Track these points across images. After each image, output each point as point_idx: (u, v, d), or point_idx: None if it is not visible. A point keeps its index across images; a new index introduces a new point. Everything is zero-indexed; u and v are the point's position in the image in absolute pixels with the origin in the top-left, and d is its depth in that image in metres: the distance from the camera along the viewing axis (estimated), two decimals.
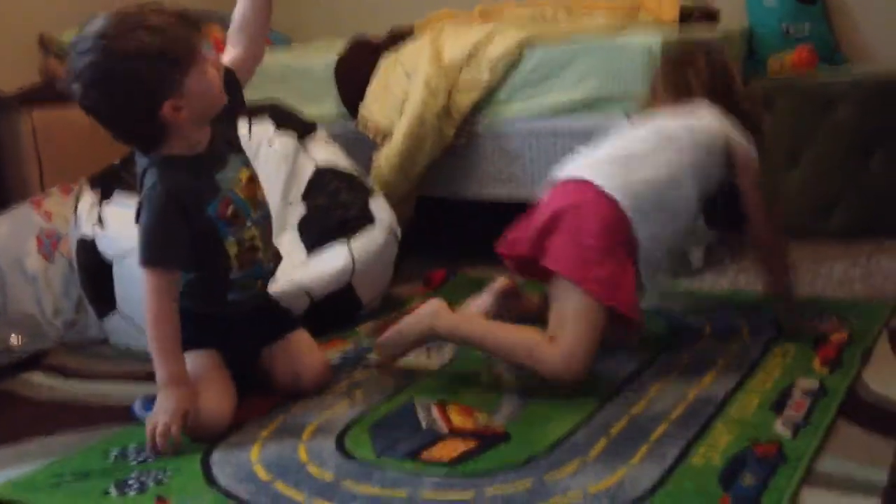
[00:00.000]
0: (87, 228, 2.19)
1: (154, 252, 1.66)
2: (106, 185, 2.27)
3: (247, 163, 1.80)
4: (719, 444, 1.51)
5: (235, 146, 1.79)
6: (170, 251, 1.66)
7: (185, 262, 1.69)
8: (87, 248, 2.19)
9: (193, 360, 1.72)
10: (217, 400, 1.68)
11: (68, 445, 1.66)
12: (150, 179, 1.67)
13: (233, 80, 1.75)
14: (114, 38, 1.57)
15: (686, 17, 2.95)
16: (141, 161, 1.71)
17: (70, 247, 2.30)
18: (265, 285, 1.89)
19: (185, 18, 1.62)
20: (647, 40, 2.53)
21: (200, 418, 1.64)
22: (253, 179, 1.79)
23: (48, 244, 2.37)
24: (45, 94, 2.75)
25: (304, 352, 1.86)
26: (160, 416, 1.60)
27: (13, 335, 2.16)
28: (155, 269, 1.65)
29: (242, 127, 2.35)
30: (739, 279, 2.48)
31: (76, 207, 2.27)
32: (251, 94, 2.80)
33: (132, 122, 1.62)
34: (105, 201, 2.23)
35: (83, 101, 1.61)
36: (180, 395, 1.62)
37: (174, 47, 1.58)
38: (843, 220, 2.86)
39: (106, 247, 2.15)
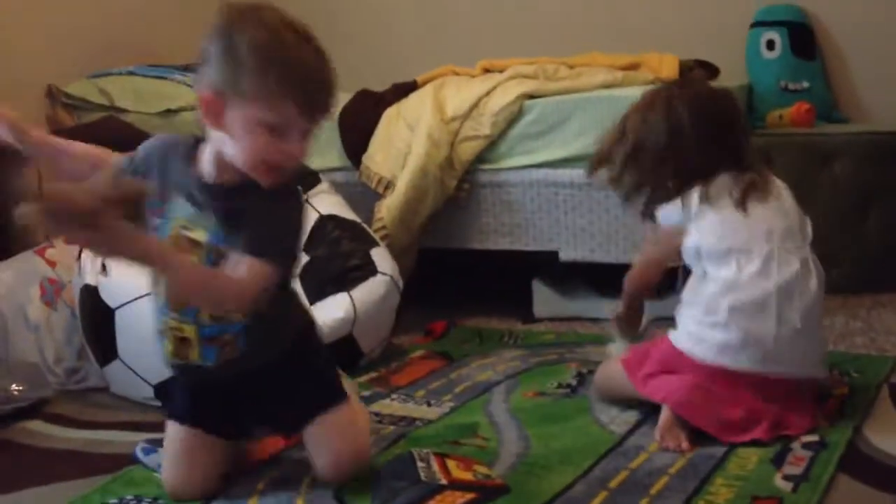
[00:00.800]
0: (90, 276, 2.21)
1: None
2: None
3: (193, 223, 1.53)
4: (719, 499, 1.50)
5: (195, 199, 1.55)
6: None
7: None
8: (90, 296, 2.20)
9: (173, 432, 1.63)
10: (184, 475, 1.61)
11: (65, 495, 1.65)
12: None
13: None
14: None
15: (686, 73, 2.99)
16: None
17: (73, 294, 2.31)
18: (233, 342, 1.57)
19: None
20: None
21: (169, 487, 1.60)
22: (182, 242, 1.52)
23: (51, 292, 2.38)
24: None
25: (336, 436, 1.63)
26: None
27: (14, 384, 2.15)
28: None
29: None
30: None
31: (80, 255, 2.29)
32: None
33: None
34: None
35: None
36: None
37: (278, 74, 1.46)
38: (842, 275, 2.86)
39: (108, 295, 2.16)
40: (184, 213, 1.53)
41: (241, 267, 1.43)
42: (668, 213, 1.89)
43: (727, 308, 1.76)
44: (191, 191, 1.53)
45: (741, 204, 1.82)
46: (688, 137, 1.85)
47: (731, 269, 1.79)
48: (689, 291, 1.86)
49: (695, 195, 1.84)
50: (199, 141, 1.55)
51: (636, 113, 1.92)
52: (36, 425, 2.05)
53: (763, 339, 1.76)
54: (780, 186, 1.90)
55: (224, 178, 1.52)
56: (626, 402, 1.90)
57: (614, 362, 1.94)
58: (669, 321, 2.25)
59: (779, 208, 1.86)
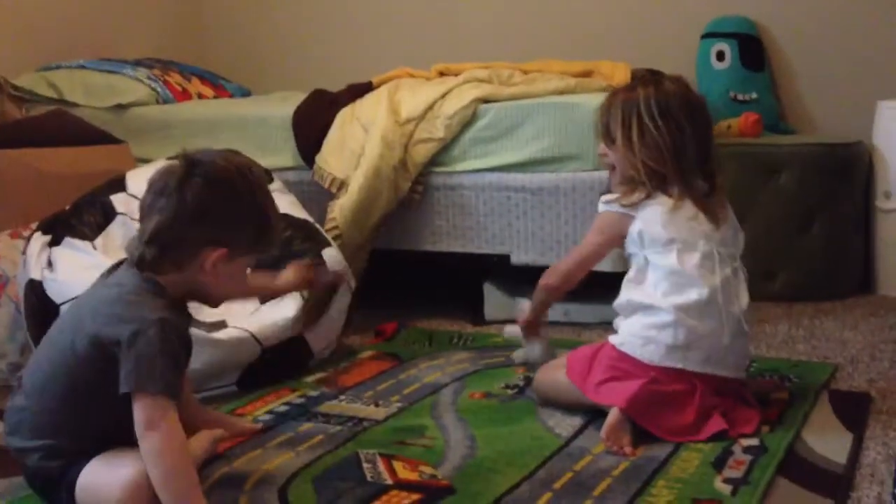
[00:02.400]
0: (35, 272, 2.18)
1: (167, 380, 1.43)
2: (56, 231, 2.26)
3: None
4: (660, 500, 1.53)
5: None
6: (177, 380, 1.47)
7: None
8: (35, 292, 2.17)
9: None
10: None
11: (5, 491, 1.62)
12: (152, 301, 1.49)
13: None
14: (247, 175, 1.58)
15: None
16: (127, 277, 1.54)
17: (18, 290, 2.27)
18: None
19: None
20: (598, 101, 2.58)
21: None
22: None
23: None
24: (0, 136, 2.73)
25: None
26: None
27: None
28: (164, 399, 1.43)
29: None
30: None
31: (25, 250, 2.26)
32: (209, 143, 2.85)
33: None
34: (54, 247, 2.22)
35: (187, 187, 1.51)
36: None
37: (272, 223, 1.59)
38: (786, 283, 2.92)
39: (54, 291, 2.13)
40: None
41: None
42: (610, 200, 1.94)
43: (672, 307, 1.80)
44: None
45: (693, 204, 1.87)
46: (689, 138, 1.89)
47: (673, 259, 1.83)
48: (630, 290, 1.89)
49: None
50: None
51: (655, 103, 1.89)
52: None
53: (709, 339, 1.80)
54: (724, 196, 1.95)
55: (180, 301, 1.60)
56: (571, 408, 1.92)
57: (558, 372, 1.96)
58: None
59: (723, 216, 1.91)
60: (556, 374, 1.96)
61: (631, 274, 1.91)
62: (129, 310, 1.48)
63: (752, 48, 3.24)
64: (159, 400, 1.43)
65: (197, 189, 1.50)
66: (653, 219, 1.87)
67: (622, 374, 1.83)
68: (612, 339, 1.88)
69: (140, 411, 1.42)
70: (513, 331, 2.21)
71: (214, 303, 1.64)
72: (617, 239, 1.95)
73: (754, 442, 1.75)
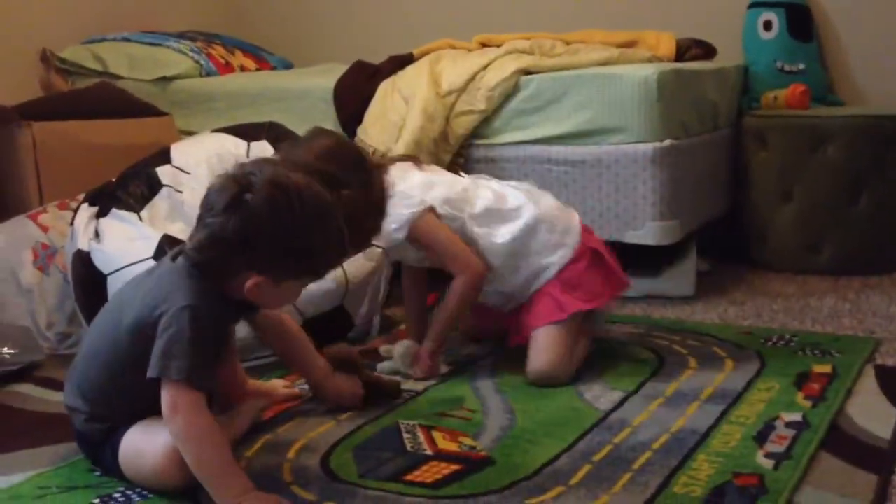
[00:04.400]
0: (83, 242, 2.21)
1: (194, 369, 1.45)
2: (102, 202, 2.29)
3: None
4: (701, 474, 1.52)
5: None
6: (206, 369, 1.49)
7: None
8: (83, 262, 2.20)
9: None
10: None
11: (55, 458, 1.66)
12: (189, 289, 1.49)
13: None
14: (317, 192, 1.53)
15: (682, 52, 2.99)
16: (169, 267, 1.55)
17: (66, 260, 2.31)
18: None
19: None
20: (642, 72, 2.57)
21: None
22: None
23: (44, 257, 2.38)
24: (46, 108, 2.77)
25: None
26: None
27: (6, 347, 2.16)
28: (189, 387, 1.45)
29: (240, 147, 2.38)
30: (729, 312, 2.50)
31: (73, 221, 2.29)
32: (250, 116, 2.87)
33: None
34: (101, 218, 2.25)
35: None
36: (265, 496, 1.47)
37: (322, 252, 1.54)
38: (832, 256, 2.88)
39: (101, 261, 2.17)
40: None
41: None
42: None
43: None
44: None
45: None
46: None
47: None
48: None
49: None
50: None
51: None
52: (27, 388, 2.06)
53: None
54: None
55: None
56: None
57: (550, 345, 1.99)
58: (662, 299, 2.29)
59: None
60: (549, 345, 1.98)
61: None
62: (165, 293, 1.49)
63: (800, 17, 3.17)
64: (182, 387, 1.45)
65: (241, 218, 1.46)
66: None
67: None
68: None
69: (164, 396, 1.46)
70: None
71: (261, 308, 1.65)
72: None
73: (797, 417, 1.73)
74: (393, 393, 1.90)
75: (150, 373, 1.46)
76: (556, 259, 2.04)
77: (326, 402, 1.85)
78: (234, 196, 1.46)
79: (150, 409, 1.51)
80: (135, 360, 1.50)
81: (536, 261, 2.04)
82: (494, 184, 2.13)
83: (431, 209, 1.99)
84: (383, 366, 2.08)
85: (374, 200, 1.86)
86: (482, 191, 2.08)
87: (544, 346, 1.98)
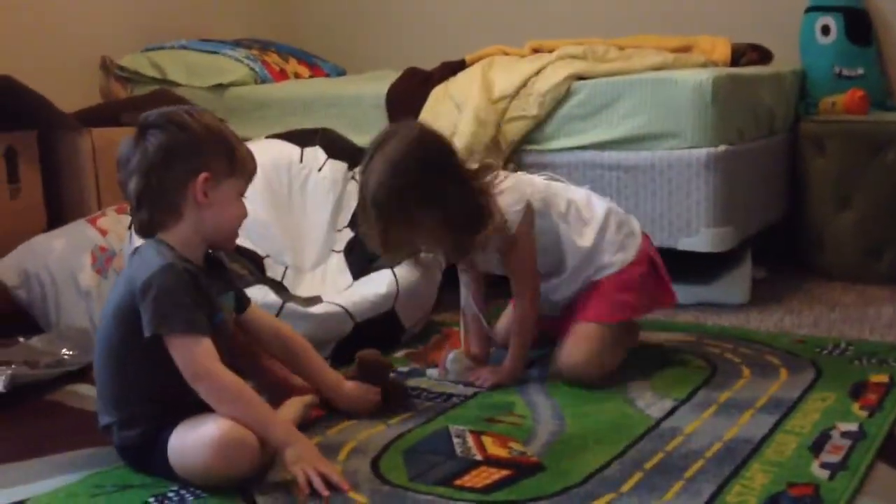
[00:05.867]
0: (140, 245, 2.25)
1: (189, 316, 1.52)
2: None
3: (230, 306, 1.73)
4: (755, 484, 1.50)
5: (230, 285, 1.75)
6: (200, 316, 1.54)
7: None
8: None
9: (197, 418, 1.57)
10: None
11: (111, 457, 1.69)
12: (157, 254, 1.56)
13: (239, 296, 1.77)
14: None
15: (738, 57, 2.95)
16: (138, 244, 1.66)
17: (123, 263, 2.36)
18: None
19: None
20: (697, 77, 2.54)
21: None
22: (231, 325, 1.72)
23: (102, 260, 2.43)
24: (106, 115, 2.83)
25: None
26: (311, 467, 1.51)
27: (65, 348, 2.21)
28: (194, 335, 1.52)
29: (293, 153, 2.40)
30: (785, 321, 2.47)
31: (130, 224, 2.33)
32: (304, 122, 2.90)
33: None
34: None
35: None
36: (308, 443, 1.57)
37: (236, 146, 1.65)
38: (892, 264, 2.83)
39: None
40: (226, 303, 1.72)
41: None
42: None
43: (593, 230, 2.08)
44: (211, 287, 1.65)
45: None
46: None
47: None
48: None
49: None
50: (174, 253, 1.59)
51: None
52: (85, 389, 2.09)
53: None
54: None
55: (197, 260, 1.64)
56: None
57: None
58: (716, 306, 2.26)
59: None
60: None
61: None
62: (135, 268, 1.57)
63: (858, 22, 3.11)
64: (189, 338, 1.51)
65: (154, 138, 1.57)
66: None
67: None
68: None
69: (177, 356, 1.52)
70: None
71: (227, 238, 1.68)
72: None
73: (853, 427, 1.70)
74: (410, 404, 1.89)
75: (148, 332, 1.51)
76: (618, 259, 2.04)
77: (339, 410, 1.85)
78: (138, 133, 1.59)
79: (165, 394, 1.56)
80: (128, 340, 1.56)
81: (600, 259, 2.04)
82: (567, 185, 2.14)
83: (530, 206, 1.99)
84: (432, 372, 2.08)
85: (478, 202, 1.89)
86: (562, 190, 2.09)
87: (583, 339, 1.98)
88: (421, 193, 1.83)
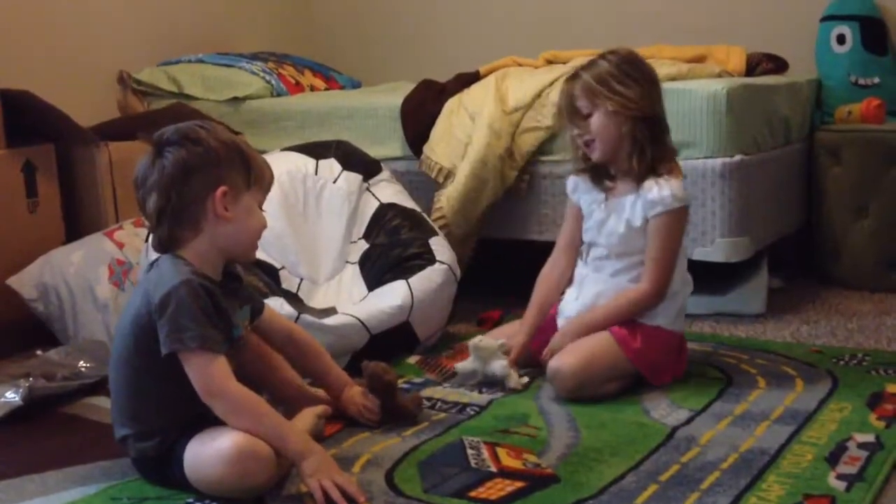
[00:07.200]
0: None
1: (204, 333, 1.52)
2: None
3: (246, 319, 1.74)
4: (771, 495, 1.49)
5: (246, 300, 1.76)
6: (215, 333, 1.55)
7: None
8: None
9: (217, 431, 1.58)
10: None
11: (128, 469, 1.70)
12: (175, 269, 1.57)
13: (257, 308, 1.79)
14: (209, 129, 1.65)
15: (753, 66, 2.95)
16: (154, 256, 1.66)
17: (139, 276, 2.37)
18: None
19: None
20: (712, 87, 2.54)
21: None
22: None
23: (119, 272, 2.45)
24: (123, 128, 2.85)
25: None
26: (328, 478, 1.52)
27: (82, 360, 2.22)
28: (209, 353, 1.53)
29: (309, 165, 2.41)
30: (801, 331, 2.45)
31: (148, 237, 2.35)
32: (319, 134, 2.91)
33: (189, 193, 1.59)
34: None
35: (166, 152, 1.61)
36: (324, 454, 1.57)
37: (252, 157, 1.66)
38: None
39: None
40: (242, 318, 1.72)
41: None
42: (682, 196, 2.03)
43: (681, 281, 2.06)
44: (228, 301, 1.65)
45: None
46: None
47: None
48: None
49: None
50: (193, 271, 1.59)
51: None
52: (102, 401, 2.10)
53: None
54: None
55: (215, 274, 1.65)
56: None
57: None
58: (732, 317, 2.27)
59: None
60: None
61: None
62: (153, 283, 1.57)
63: (874, 30, 3.10)
64: (204, 356, 1.52)
65: (170, 155, 1.58)
66: None
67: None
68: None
69: (191, 373, 1.53)
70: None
71: (246, 250, 1.68)
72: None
73: (870, 438, 1.69)
74: (412, 419, 1.88)
75: (165, 349, 1.52)
76: (666, 318, 2.05)
77: (347, 414, 1.86)
78: (154, 151, 1.60)
79: (180, 406, 1.57)
80: (144, 353, 1.57)
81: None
82: None
83: (687, 210, 2.04)
84: (461, 365, 2.09)
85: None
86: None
87: (583, 349, 1.97)
88: (650, 89, 2.03)
